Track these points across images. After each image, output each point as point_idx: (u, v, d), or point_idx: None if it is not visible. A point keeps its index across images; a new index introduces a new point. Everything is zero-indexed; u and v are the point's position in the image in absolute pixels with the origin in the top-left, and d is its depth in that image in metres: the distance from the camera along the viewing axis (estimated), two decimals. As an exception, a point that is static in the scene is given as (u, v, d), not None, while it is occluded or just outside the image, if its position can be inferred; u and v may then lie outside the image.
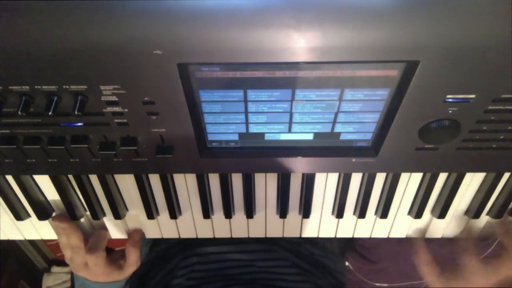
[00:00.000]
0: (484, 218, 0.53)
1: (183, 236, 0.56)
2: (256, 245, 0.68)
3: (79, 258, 0.52)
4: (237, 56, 0.31)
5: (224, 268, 0.65)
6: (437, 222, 0.53)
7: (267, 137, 0.41)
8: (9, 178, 0.49)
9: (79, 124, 0.37)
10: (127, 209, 0.54)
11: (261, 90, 0.36)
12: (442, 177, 0.49)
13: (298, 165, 0.43)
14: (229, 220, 0.54)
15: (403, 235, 0.56)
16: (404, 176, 0.49)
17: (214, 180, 0.50)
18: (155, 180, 0.50)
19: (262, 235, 0.56)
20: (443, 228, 0.55)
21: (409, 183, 0.50)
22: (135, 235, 0.56)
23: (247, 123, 0.40)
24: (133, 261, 0.56)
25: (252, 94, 0.36)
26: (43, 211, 0.52)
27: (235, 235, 0.56)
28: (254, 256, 0.67)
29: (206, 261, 0.66)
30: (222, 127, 0.40)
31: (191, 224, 0.55)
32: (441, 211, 0.51)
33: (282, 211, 0.52)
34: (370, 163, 0.42)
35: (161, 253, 0.72)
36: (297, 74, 0.34)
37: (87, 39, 0.30)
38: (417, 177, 0.49)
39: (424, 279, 0.53)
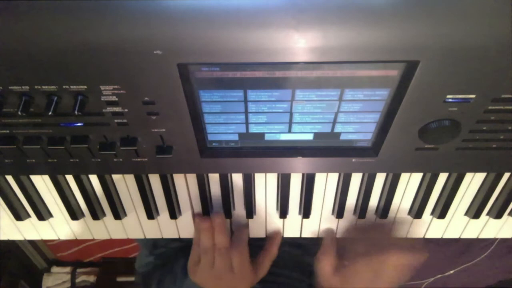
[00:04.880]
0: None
1: (183, 236, 0.56)
2: None
3: (222, 260, 0.49)
4: (237, 56, 0.31)
5: None
6: (437, 222, 0.53)
7: (267, 137, 0.41)
8: (9, 178, 0.49)
9: (79, 124, 0.37)
10: (126, 210, 0.54)
11: (261, 90, 0.36)
12: (442, 177, 0.49)
13: (298, 165, 0.43)
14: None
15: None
16: (404, 176, 0.49)
17: (214, 180, 0.50)
18: (155, 180, 0.50)
19: (262, 235, 0.56)
20: (443, 228, 0.55)
21: (409, 183, 0.50)
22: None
23: (247, 123, 0.40)
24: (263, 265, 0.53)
25: (252, 94, 0.36)
26: (42, 211, 0.52)
27: (235, 235, 0.56)
28: None
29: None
30: (222, 127, 0.40)
31: (191, 224, 0.55)
32: (441, 211, 0.51)
33: (282, 211, 0.52)
34: (370, 163, 0.42)
35: (161, 257, 0.71)
36: (297, 74, 0.34)
37: (87, 39, 0.29)
38: (417, 177, 0.49)
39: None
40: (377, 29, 0.29)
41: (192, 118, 0.37)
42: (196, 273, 0.51)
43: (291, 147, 0.42)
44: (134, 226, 0.55)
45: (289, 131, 0.41)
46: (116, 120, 0.37)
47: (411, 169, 0.44)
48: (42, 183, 0.50)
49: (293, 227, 0.55)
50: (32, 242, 1.33)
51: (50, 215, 0.53)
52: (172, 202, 0.51)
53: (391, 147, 0.40)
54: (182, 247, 0.69)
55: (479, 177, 0.49)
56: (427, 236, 0.56)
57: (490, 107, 0.35)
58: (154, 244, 0.71)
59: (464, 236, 0.55)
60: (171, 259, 0.67)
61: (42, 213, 0.52)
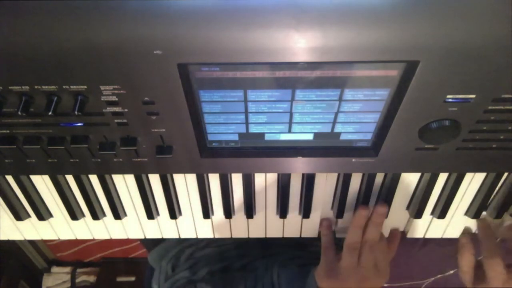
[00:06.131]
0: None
1: (183, 236, 0.56)
2: None
3: (371, 256, 0.48)
4: (237, 56, 0.31)
5: None
6: (437, 222, 0.53)
7: (267, 137, 0.41)
8: (9, 178, 0.49)
9: (79, 124, 0.37)
10: (126, 210, 0.54)
11: (261, 90, 0.36)
12: (442, 177, 0.49)
13: (298, 165, 0.43)
14: (229, 220, 0.54)
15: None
16: (404, 176, 0.49)
17: (214, 180, 0.50)
18: (155, 180, 0.50)
19: (262, 235, 0.56)
20: (443, 228, 0.55)
21: (409, 183, 0.50)
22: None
23: (247, 123, 0.40)
24: None
25: (252, 94, 0.36)
26: (42, 211, 0.52)
27: (235, 235, 0.56)
28: None
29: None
30: (222, 127, 0.40)
31: (191, 224, 0.55)
32: (441, 211, 0.51)
33: (282, 211, 0.52)
34: (370, 163, 0.42)
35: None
36: (297, 74, 0.34)
37: (87, 39, 0.29)
38: (417, 177, 0.49)
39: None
40: (377, 29, 0.29)
41: (192, 118, 0.37)
42: (333, 277, 0.49)
43: (291, 147, 0.42)
44: (134, 226, 0.55)
45: (289, 131, 0.41)
46: (116, 120, 0.37)
47: (411, 169, 0.44)
48: (42, 183, 0.50)
49: (293, 227, 0.55)
50: (32, 242, 1.33)
51: (50, 215, 0.53)
52: (172, 202, 0.51)
53: (391, 147, 0.40)
54: (221, 251, 0.67)
55: (479, 177, 0.49)
56: (427, 236, 0.56)
57: (490, 107, 0.35)
58: (174, 263, 0.68)
59: (464, 236, 0.55)
60: (212, 265, 0.65)
61: (42, 213, 0.52)
